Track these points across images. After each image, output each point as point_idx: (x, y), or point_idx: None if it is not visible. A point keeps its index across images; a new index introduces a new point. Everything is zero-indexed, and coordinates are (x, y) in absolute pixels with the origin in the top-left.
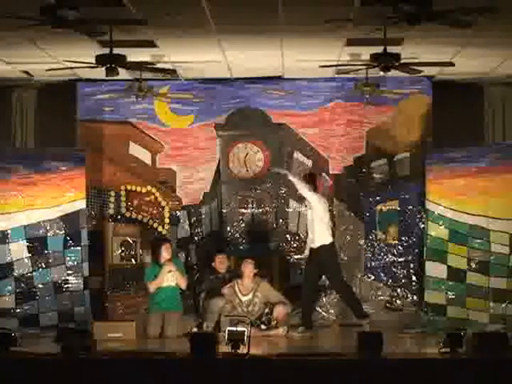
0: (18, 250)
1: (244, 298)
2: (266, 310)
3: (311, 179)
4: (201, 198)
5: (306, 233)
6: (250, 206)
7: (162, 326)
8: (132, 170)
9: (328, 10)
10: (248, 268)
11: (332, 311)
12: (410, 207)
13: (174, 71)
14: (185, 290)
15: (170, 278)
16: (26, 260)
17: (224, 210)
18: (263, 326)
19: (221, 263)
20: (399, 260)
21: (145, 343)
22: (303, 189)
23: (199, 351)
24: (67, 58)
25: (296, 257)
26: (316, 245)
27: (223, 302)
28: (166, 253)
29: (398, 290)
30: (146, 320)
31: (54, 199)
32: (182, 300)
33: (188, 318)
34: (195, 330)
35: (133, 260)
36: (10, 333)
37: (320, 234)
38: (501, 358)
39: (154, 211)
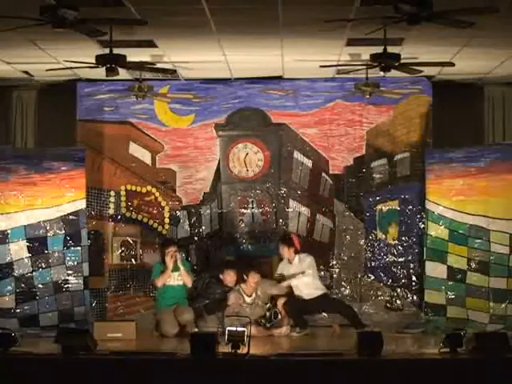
0: (18, 249)
1: (249, 299)
2: (269, 305)
3: (291, 241)
4: (201, 197)
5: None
6: (250, 206)
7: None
8: (132, 169)
9: (328, 10)
10: (253, 279)
11: None
12: (410, 207)
13: (174, 71)
14: (190, 287)
15: (177, 277)
16: (26, 260)
17: (224, 210)
18: (268, 325)
19: (229, 278)
20: (399, 260)
21: (145, 343)
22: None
23: (199, 351)
24: (67, 58)
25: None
26: (312, 296)
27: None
28: (171, 255)
29: (398, 290)
30: (160, 320)
31: (54, 199)
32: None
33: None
34: (195, 329)
35: (133, 260)
36: (10, 333)
37: (316, 287)
38: (501, 357)
39: (154, 211)
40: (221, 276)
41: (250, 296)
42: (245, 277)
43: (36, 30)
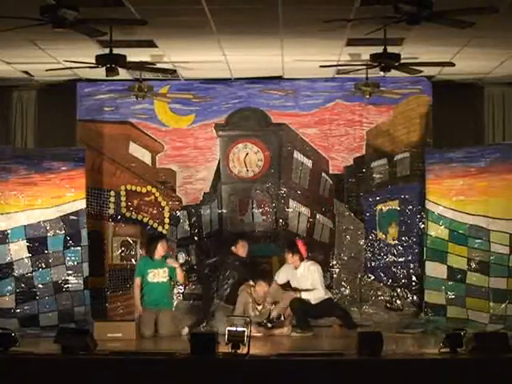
0: (18, 249)
1: (259, 308)
2: (273, 307)
3: (296, 247)
4: (201, 197)
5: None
6: (250, 206)
7: (155, 326)
8: (132, 169)
9: (328, 10)
10: (261, 287)
11: None
12: (410, 207)
13: (174, 71)
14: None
15: (162, 273)
16: (25, 260)
17: (224, 210)
18: (269, 325)
19: (242, 248)
20: (399, 260)
21: (145, 343)
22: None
23: (199, 351)
24: (67, 58)
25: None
26: (318, 301)
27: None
28: (161, 249)
29: (398, 290)
30: (139, 319)
31: (53, 199)
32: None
33: (182, 318)
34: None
35: (133, 260)
36: (10, 333)
37: (321, 292)
38: (501, 357)
39: (154, 211)
40: (233, 248)
41: (260, 304)
42: (252, 283)
43: (36, 29)
